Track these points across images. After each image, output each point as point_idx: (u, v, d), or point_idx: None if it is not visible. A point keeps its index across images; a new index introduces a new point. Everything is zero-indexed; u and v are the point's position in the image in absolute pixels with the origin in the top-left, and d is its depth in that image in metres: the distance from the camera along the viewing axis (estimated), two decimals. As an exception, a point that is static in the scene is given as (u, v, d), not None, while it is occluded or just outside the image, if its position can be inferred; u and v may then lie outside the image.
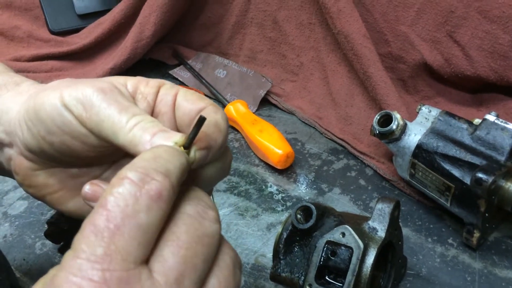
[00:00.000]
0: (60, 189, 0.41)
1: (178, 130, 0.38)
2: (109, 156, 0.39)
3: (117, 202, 0.26)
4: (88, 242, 0.25)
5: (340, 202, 0.69)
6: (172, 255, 0.27)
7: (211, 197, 0.36)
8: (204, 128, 0.33)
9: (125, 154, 0.36)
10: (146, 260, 0.27)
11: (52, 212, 0.67)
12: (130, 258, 0.26)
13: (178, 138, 0.33)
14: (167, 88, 0.39)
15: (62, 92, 0.36)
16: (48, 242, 0.63)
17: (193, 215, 0.29)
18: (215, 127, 0.35)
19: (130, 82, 0.39)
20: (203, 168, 0.35)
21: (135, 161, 0.29)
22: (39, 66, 0.98)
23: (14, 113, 0.38)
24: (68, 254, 0.26)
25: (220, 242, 0.31)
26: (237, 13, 0.96)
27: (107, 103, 0.35)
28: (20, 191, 0.73)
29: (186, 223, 0.29)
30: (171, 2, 0.92)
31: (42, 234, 0.62)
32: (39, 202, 0.70)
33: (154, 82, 0.39)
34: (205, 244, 0.29)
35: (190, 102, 0.38)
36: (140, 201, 0.27)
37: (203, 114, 0.33)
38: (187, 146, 0.32)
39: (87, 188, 0.36)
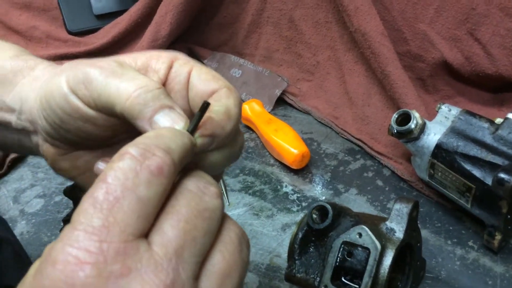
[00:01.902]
0: (87, 170, 0.40)
1: (190, 111, 0.37)
2: (127, 132, 0.38)
3: (117, 176, 0.26)
4: (86, 214, 0.25)
5: (356, 202, 0.68)
6: (171, 227, 0.27)
7: (220, 181, 0.34)
8: (213, 113, 0.32)
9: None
10: (145, 234, 0.26)
11: (68, 210, 0.67)
12: (129, 230, 0.25)
13: (183, 123, 0.31)
14: (181, 64, 0.37)
15: (68, 77, 0.35)
16: (63, 240, 0.63)
17: (193, 190, 0.29)
18: (225, 114, 0.33)
19: (141, 58, 0.37)
20: (209, 153, 0.34)
21: (138, 138, 0.28)
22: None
23: (32, 101, 0.38)
24: (67, 227, 0.26)
25: (223, 218, 0.30)
26: (253, 12, 0.95)
27: (104, 75, 0.33)
28: (37, 190, 0.73)
29: (187, 197, 0.28)
30: (187, 2, 0.92)
31: (58, 232, 0.62)
32: (56, 200, 0.71)
33: (166, 57, 0.37)
34: (205, 218, 0.28)
35: (203, 82, 0.36)
36: (140, 175, 0.26)
37: (216, 96, 0.32)
38: (190, 131, 0.31)
39: (100, 164, 0.37)
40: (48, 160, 0.40)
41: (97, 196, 0.25)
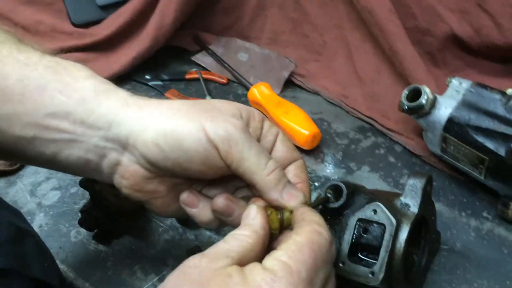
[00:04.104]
0: (166, 195, 0.46)
1: None
2: (217, 178, 0.46)
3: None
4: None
5: (369, 180, 0.68)
6: None
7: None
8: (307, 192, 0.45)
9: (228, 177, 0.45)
10: None
11: (85, 201, 0.68)
12: None
13: (303, 199, 0.43)
14: (269, 126, 0.47)
15: (205, 127, 0.41)
16: (82, 230, 0.64)
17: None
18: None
19: (244, 114, 0.45)
20: None
21: (320, 222, 0.39)
22: (64, 59, 0.99)
23: (131, 126, 0.42)
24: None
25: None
26: (258, -5, 0.95)
27: (249, 143, 0.42)
28: (53, 182, 0.74)
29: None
30: (190, -12, 0.91)
31: (76, 223, 0.63)
32: (72, 191, 0.72)
33: (258, 117, 0.46)
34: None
35: (288, 150, 0.46)
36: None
37: (297, 164, 0.46)
38: (313, 206, 0.44)
39: (221, 202, 0.43)
40: (129, 180, 0.44)
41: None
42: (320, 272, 0.36)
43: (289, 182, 0.43)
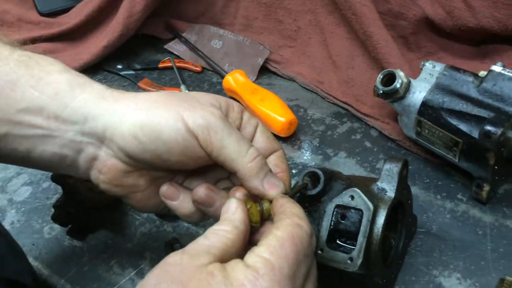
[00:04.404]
0: (145, 189, 0.45)
1: None
2: (197, 169, 0.45)
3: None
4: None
5: (346, 165, 0.68)
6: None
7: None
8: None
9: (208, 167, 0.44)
10: None
11: (57, 195, 0.66)
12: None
13: (283, 189, 0.42)
14: (249, 117, 0.46)
15: (183, 117, 0.40)
16: (56, 225, 0.63)
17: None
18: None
19: (223, 105, 0.45)
20: None
21: (300, 214, 0.39)
22: (31, 50, 0.94)
23: (107, 119, 0.41)
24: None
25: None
26: (229, -20, 0.93)
27: (228, 131, 0.41)
28: (23, 177, 0.72)
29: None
30: (160, -27, 0.89)
31: (49, 218, 0.62)
32: (44, 186, 0.70)
33: (238, 108, 0.46)
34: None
35: (268, 141, 0.46)
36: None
37: (278, 155, 0.46)
38: (291, 196, 0.43)
39: (201, 192, 0.43)
40: (107, 175, 0.43)
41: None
42: (302, 265, 0.36)
43: (270, 171, 0.43)
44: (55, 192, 0.69)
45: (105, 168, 0.43)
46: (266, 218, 0.41)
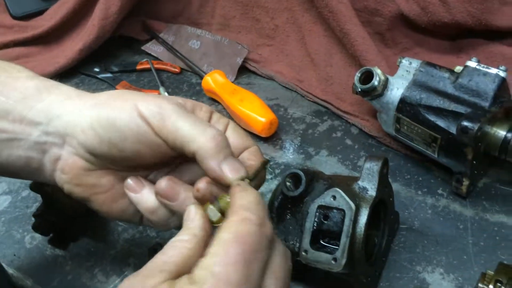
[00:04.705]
0: (108, 190, 0.44)
1: None
2: (160, 163, 0.44)
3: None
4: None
5: (328, 164, 0.69)
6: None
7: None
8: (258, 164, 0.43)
9: (173, 161, 0.44)
10: None
11: (37, 204, 0.65)
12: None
13: (244, 172, 0.40)
14: (219, 117, 0.46)
15: (137, 104, 0.40)
16: (37, 235, 0.62)
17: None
18: (262, 164, 0.44)
19: (189, 104, 0.44)
20: None
21: (248, 205, 0.36)
22: (4, 54, 0.93)
23: (69, 117, 0.42)
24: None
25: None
26: (205, -20, 0.92)
27: (183, 114, 0.40)
28: (2, 186, 0.71)
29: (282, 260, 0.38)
30: (135, -26, 0.88)
31: (30, 228, 0.61)
32: (23, 195, 0.69)
33: (206, 108, 0.45)
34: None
35: (240, 137, 0.45)
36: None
37: (251, 151, 0.44)
38: (252, 179, 0.40)
39: (164, 183, 0.41)
40: (68, 174, 0.43)
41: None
42: (254, 262, 0.34)
43: (232, 154, 0.40)
44: (35, 200, 0.68)
45: (67, 167, 0.43)
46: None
